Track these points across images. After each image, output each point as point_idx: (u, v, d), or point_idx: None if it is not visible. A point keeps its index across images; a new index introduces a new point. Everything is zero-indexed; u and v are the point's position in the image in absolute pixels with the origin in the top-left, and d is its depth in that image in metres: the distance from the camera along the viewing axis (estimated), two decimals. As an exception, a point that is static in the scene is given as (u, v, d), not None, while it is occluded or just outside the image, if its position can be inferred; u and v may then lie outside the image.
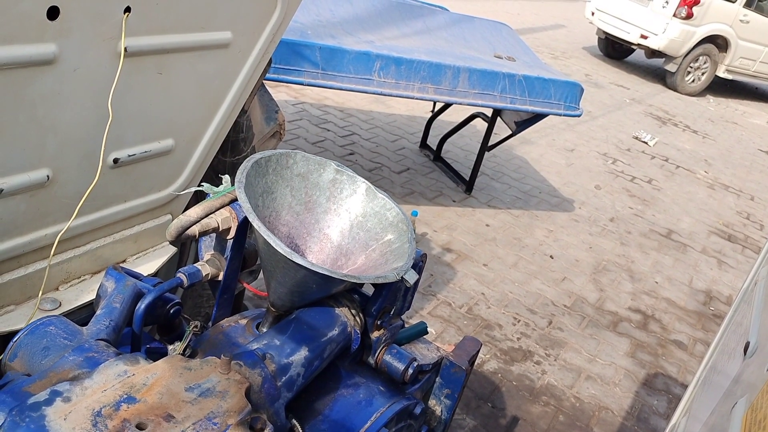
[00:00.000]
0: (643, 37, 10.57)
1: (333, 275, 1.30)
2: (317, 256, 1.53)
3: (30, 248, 1.69)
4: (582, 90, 4.81)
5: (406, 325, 1.75)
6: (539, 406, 3.41)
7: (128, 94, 1.65)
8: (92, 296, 1.76)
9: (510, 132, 5.27)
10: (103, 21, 1.47)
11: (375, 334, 1.56)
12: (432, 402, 1.84)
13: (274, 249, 1.25)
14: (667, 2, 10.36)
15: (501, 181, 5.97)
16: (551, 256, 4.93)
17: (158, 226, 2.10)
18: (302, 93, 6.63)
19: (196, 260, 1.68)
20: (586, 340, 4.05)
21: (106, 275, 1.50)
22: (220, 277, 1.62)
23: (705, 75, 11.06)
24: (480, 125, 5.77)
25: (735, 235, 6.20)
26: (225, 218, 1.53)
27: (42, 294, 1.72)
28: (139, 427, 1.02)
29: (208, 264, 1.61)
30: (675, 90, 11.02)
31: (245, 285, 1.71)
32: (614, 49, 12.00)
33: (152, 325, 1.60)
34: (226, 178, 1.57)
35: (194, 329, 1.48)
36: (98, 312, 1.40)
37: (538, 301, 4.33)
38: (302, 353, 1.35)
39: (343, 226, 1.55)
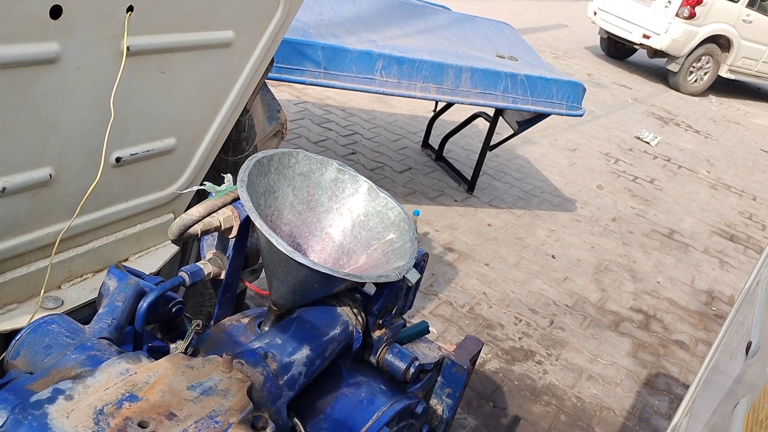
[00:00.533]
0: (646, 36, 10.56)
1: (335, 274, 1.30)
2: (319, 255, 1.53)
3: (32, 247, 1.70)
4: (584, 90, 4.81)
5: (408, 325, 1.75)
6: (541, 406, 3.40)
7: (130, 93, 1.65)
8: (94, 295, 1.76)
9: (512, 131, 5.27)
10: (106, 20, 1.48)
11: (377, 334, 1.56)
12: (433, 401, 1.84)
13: (276, 248, 1.25)
14: (669, 2, 10.35)
15: (503, 181, 5.97)
16: (553, 256, 4.93)
17: (160, 225, 2.10)
18: (304, 92, 6.63)
19: (198, 259, 1.68)
20: (588, 340, 4.05)
21: (109, 274, 1.50)
22: (222, 276, 1.62)
23: (707, 75, 11.05)
24: (482, 125, 5.77)
25: (737, 236, 6.19)
26: (227, 217, 1.54)
27: (44, 292, 1.73)
28: (141, 425, 1.02)
29: (210, 263, 1.61)
30: (677, 90, 11.01)
31: (247, 284, 1.71)
32: (616, 49, 11.99)
33: (154, 323, 1.61)
34: (228, 177, 1.57)
35: (196, 328, 1.48)
36: (100, 310, 1.40)
37: (539, 300, 4.33)
38: (304, 352, 1.36)
39: (345, 225, 1.55)
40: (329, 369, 1.50)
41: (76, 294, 1.84)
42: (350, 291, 1.56)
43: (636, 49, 11.78)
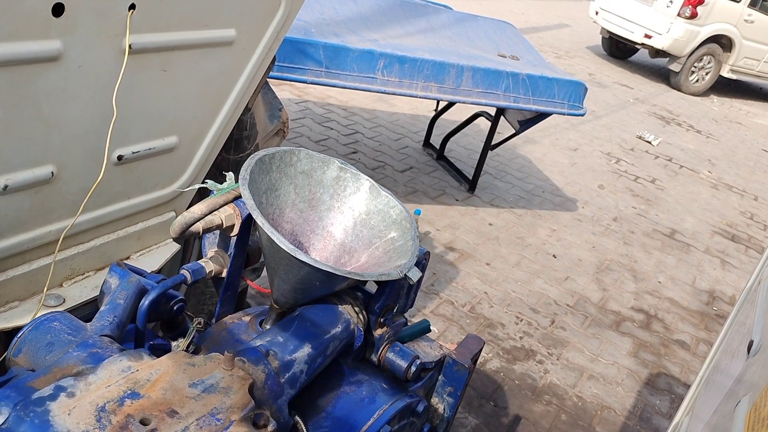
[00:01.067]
0: (647, 36, 10.55)
1: (336, 272, 1.30)
2: (321, 254, 1.53)
3: (34, 244, 1.70)
4: (586, 89, 4.81)
5: (409, 323, 1.75)
6: (541, 405, 3.40)
7: (132, 91, 1.66)
8: (96, 293, 1.76)
9: (513, 131, 5.27)
10: (108, 18, 1.48)
11: (378, 332, 1.56)
12: (435, 400, 1.84)
13: (278, 246, 1.25)
14: (671, 2, 10.34)
15: (504, 180, 5.97)
16: (554, 256, 4.93)
17: (162, 223, 2.10)
18: (306, 91, 6.63)
19: (200, 257, 1.68)
20: (589, 340, 4.05)
21: (110, 271, 1.50)
22: (224, 274, 1.63)
23: (709, 75, 11.04)
24: (483, 124, 5.77)
25: (738, 235, 6.19)
26: (229, 215, 1.54)
27: (46, 290, 1.73)
28: (142, 422, 1.02)
29: (211, 261, 1.62)
30: (679, 90, 11.00)
31: (249, 282, 1.71)
32: (618, 49, 11.98)
33: (156, 321, 1.61)
34: (229, 175, 1.58)
35: (198, 326, 1.48)
36: (102, 308, 1.40)
37: (540, 300, 4.32)
38: (305, 350, 1.36)
39: (347, 223, 1.55)
40: (330, 367, 1.50)
41: (78, 292, 1.85)
42: (352, 289, 1.56)
43: (638, 49, 11.78)
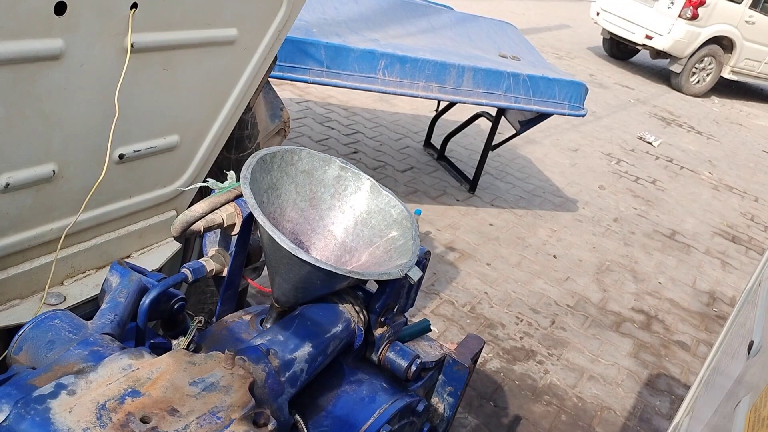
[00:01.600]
0: (648, 37, 10.55)
1: (337, 271, 1.30)
2: (321, 253, 1.53)
3: (36, 242, 1.70)
4: (586, 90, 4.81)
5: (409, 323, 1.75)
6: (541, 406, 3.41)
7: (134, 89, 1.66)
8: (97, 291, 1.76)
9: (514, 131, 5.27)
10: (110, 17, 1.48)
11: (378, 331, 1.56)
12: (435, 399, 1.84)
13: (279, 245, 1.26)
14: (672, 3, 10.34)
15: (505, 181, 5.97)
16: (554, 256, 4.93)
17: (163, 222, 2.10)
18: (307, 91, 6.63)
19: (201, 256, 1.68)
20: (589, 340, 4.05)
21: (111, 270, 1.51)
22: (225, 273, 1.63)
23: (710, 76, 11.04)
24: (484, 124, 5.77)
25: (739, 237, 6.19)
26: (230, 214, 1.54)
27: (48, 288, 1.73)
28: (143, 420, 1.02)
29: (212, 259, 1.62)
30: (680, 91, 11.00)
31: (249, 281, 1.71)
32: (619, 50, 11.98)
33: (156, 320, 1.61)
34: (231, 174, 1.58)
35: (198, 324, 1.49)
36: (103, 306, 1.40)
37: (541, 300, 4.33)
38: (306, 349, 1.36)
39: (348, 222, 1.55)
40: (331, 366, 1.50)
41: (79, 290, 1.85)
42: (352, 288, 1.56)
43: (638, 50, 11.77)
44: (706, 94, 11.31)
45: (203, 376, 1.15)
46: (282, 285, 1.44)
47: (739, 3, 10.49)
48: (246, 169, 1.36)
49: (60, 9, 1.37)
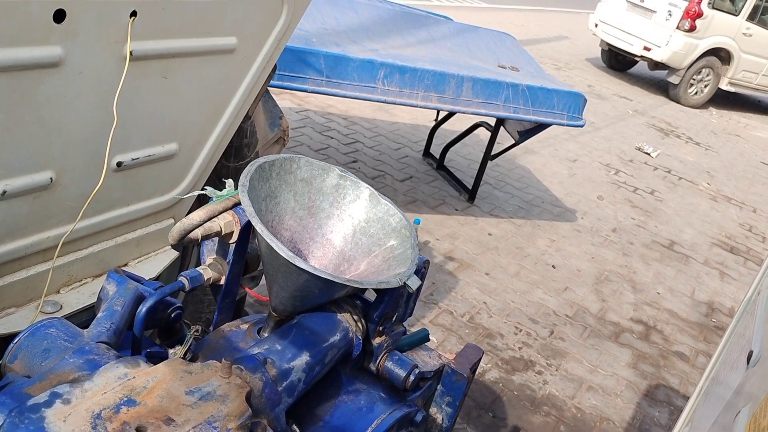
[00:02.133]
0: (647, 49, 10.60)
1: (335, 280, 1.29)
2: (320, 261, 1.53)
3: (32, 250, 1.69)
4: (585, 100, 4.82)
5: (408, 333, 1.74)
6: (540, 417, 3.39)
7: (133, 97, 1.66)
8: (93, 299, 1.75)
9: (513, 141, 5.28)
10: (109, 24, 1.48)
11: (377, 341, 1.55)
12: (433, 410, 1.83)
13: (277, 253, 1.25)
14: (670, 14, 10.39)
15: (504, 191, 5.97)
16: (553, 266, 4.92)
17: (160, 230, 2.10)
18: (306, 100, 6.64)
19: (198, 264, 1.67)
20: (588, 351, 4.04)
21: (108, 278, 1.50)
22: (222, 282, 1.62)
23: (708, 87, 11.08)
24: (483, 134, 5.78)
25: (737, 247, 6.19)
26: (228, 222, 1.53)
27: (44, 296, 1.72)
28: (138, 430, 1.01)
29: (210, 268, 1.61)
30: (678, 102, 11.03)
31: (247, 290, 1.70)
32: (617, 61, 12.03)
33: (153, 329, 1.60)
34: (229, 182, 1.57)
35: (195, 333, 1.48)
36: (99, 315, 1.39)
37: (539, 310, 4.31)
38: (303, 358, 1.35)
39: (346, 231, 1.55)
40: (329, 376, 1.49)
41: (75, 298, 1.84)
42: (350, 297, 1.55)
43: (637, 61, 11.82)
44: (704, 106, 11.35)
45: (200, 385, 1.14)
46: (280, 294, 1.43)
47: (737, 15, 10.54)
48: (244, 177, 1.35)
49: (59, 16, 1.37)
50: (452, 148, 6.01)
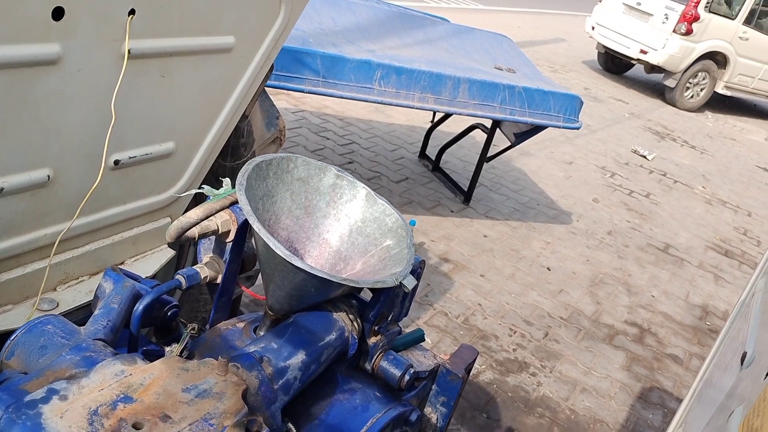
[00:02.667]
0: (643, 52, 10.63)
1: (331, 279, 1.30)
2: (316, 260, 1.53)
3: (29, 248, 1.69)
4: (581, 103, 4.84)
5: (403, 333, 1.75)
6: (534, 418, 3.40)
7: (131, 96, 1.66)
8: (90, 297, 1.76)
9: (509, 143, 5.29)
10: (108, 23, 1.48)
11: (372, 340, 1.56)
12: (428, 409, 1.83)
13: (274, 252, 1.26)
14: (666, 18, 10.43)
15: (499, 193, 5.99)
16: (548, 268, 4.94)
17: (157, 229, 2.10)
18: (302, 101, 6.65)
19: (195, 263, 1.68)
20: (582, 353, 4.05)
21: (105, 276, 1.50)
22: (219, 280, 1.62)
23: (704, 91, 11.12)
24: (479, 136, 5.79)
25: (732, 251, 6.21)
26: (225, 221, 1.54)
27: (41, 294, 1.72)
28: (135, 426, 1.02)
29: (206, 266, 1.61)
30: (674, 105, 11.07)
31: (243, 288, 1.71)
32: (614, 64, 12.06)
33: (149, 326, 1.60)
34: (226, 181, 1.58)
35: (191, 331, 1.48)
36: (96, 312, 1.40)
37: (534, 312, 4.33)
38: (299, 357, 1.35)
39: (343, 230, 1.55)
40: (324, 375, 1.50)
41: (72, 296, 1.84)
42: (346, 297, 1.56)
43: (633, 64, 11.85)
44: (700, 109, 11.39)
45: (196, 382, 1.14)
46: (276, 292, 1.44)
47: (733, 19, 10.59)
48: (241, 176, 1.36)
49: (57, 14, 1.37)
50: (448, 150, 6.02)
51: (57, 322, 1.30)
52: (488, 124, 5.25)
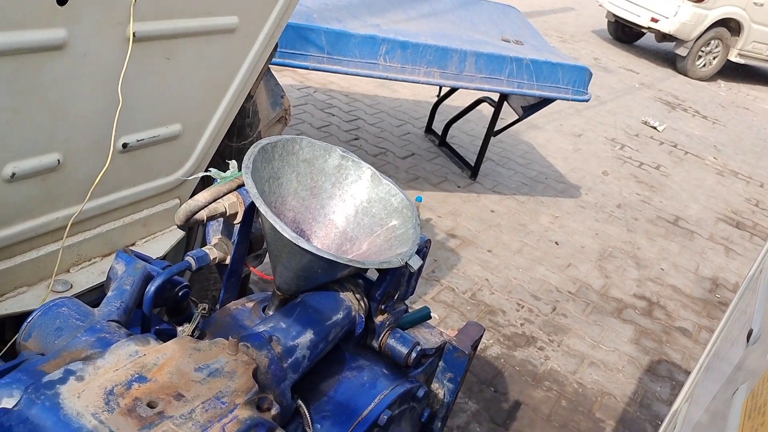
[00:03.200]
0: (654, 20, 10.47)
1: (337, 260, 1.32)
2: (322, 241, 1.55)
3: (42, 231, 1.73)
4: (590, 74, 4.79)
5: (410, 310, 1.77)
6: (542, 391, 3.44)
7: (137, 79, 1.67)
8: (102, 278, 1.79)
9: (516, 117, 5.26)
10: (112, 6, 1.49)
11: (379, 319, 1.58)
12: (435, 385, 1.87)
13: (281, 234, 1.27)
14: (678, -15, 10.25)
15: (507, 167, 5.97)
16: (556, 243, 4.95)
17: (166, 210, 2.13)
18: (307, 78, 6.62)
19: (204, 244, 1.70)
20: (590, 327, 4.08)
21: (117, 258, 1.53)
22: (228, 261, 1.65)
23: (716, 59, 10.96)
24: (486, 110, 5.76)
25: (743, 222, 6.19)
26: (232, 203, 1.56)
27: (54, 276, 1.76)
28: (150, 405, 1.05)
29: (215, 248, 1.64)
30: (685, 74, 10.93)
31: (251, 269, 1.73)
32: (624, 33, 11.89)
33: (161, 307, 1.63)
34: (233, 163, 1.59)
35: (202, 311, 1.51)
36: (109, 294, 1.43)
37: (542, 287, 4.35)
38: (308, 336, 1.38)
39: (348, 211, 1.57)
40: (332, 353, 1.53)
41: (85, 278, 1.87)
42: (353, 277, 1.58)
43: (644, 33, 11.69)
44: (713, 78, 11.24)
45: (208, 362, 1.17)
46: (284, 273, 1.46)
47: (747, -15, 10.39)
48: (248, 159, 1.37)
49: (62, -1, 1.38)
50: (455, 125, 6.00)
51: (72, 304, 1.33)
52: (495, 97, 5.21)
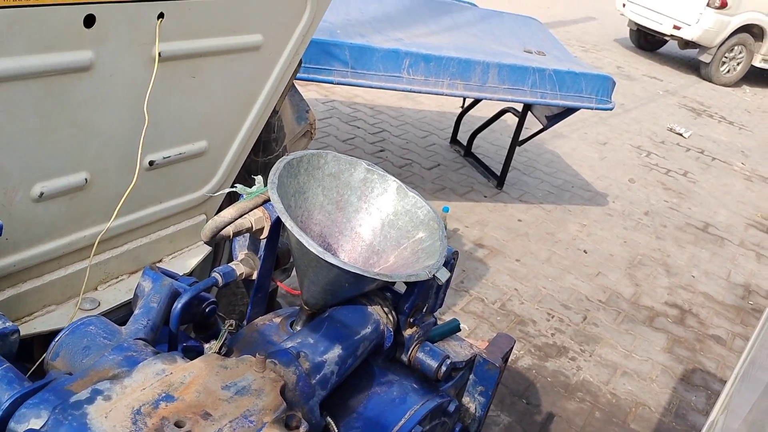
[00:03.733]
0: (676, 27, 10.35)
1: (365, 274, 1.31)
2: (349, 255, 1.54)
3: (70, 249, 1.74)
4: (614, 83, 4.74)
5: (439, 323, 1.75)
6: (575, 403, 3.37)
7: (163, 97, 1.68)
8: (130, 296, 1.80)
9: (541, 126, 5.22)
10: (138, 27, 1.51)
11: (408, 332, 1.56)
12: (466, 399, 1.83)
13: (307, 249, 1.27)
14: (700, -9, 10.13)
15: (533, 176, 5.92)
16: (585, 251, 4.88)
17: (193, 226, 2.13)
18: (332, 91, 6.65)
19: (231, 260, 1.70)
20: (622, 336, 4.00)
21: (143, 275, 1.53)
22: (254, 276, 1.64)
23: (740, 65, 10.78)
24: (510, 120, 5.73)
25: (775, 228, 6.05)
26: (258, 218, 1.55)
27: (82, 294, 1.77)
28: (177, 425, 1.04)
29: (242, 263, 1.64)
30: (710, 81, 10.77)
31: (279, 284, 1.73)
32: (646, 41, 11.78)
33: (188, 323, 1.63)
34: (258, 179, 1.59)
35: (229, 328, 1.50)
36: (136, 311, 1.43)
37: (572, 296, 4.28)
38: (336, 351, 1.36)
39: (375, 224, 1.56)
40: (361, 368, 1.51)
41: (112, 295, 1.88)
42: (381, 290, 1.56)
43: (666, 41, 11.56)
44: (737, 84, 11.06)
45: (235, 380, 1.16)
46: (311, 288, 1.45)
47: (770, -11, 10.24)
48: (273, 174, 1.37)
49: (89, 21, 1.39)
50: (479, 135, 5.97)
51: (99, 323, 1.33)
52: (519, 107, 5.18)
